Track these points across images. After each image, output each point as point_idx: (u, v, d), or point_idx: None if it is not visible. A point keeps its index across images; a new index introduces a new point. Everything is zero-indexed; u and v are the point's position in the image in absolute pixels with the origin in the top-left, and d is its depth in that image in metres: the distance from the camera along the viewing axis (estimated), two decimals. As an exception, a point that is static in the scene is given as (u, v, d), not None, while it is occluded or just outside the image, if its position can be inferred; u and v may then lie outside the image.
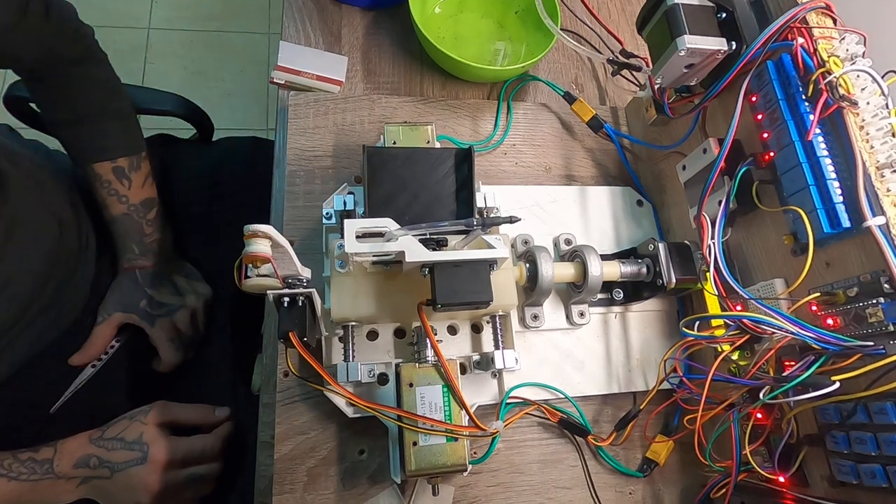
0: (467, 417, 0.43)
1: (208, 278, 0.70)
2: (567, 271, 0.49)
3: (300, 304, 0.40)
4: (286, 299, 0.40)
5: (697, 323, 0.44)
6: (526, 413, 0.50)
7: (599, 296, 0.53)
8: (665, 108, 0.50)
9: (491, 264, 0.42)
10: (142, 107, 0.73)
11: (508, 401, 0.49)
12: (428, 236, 0.42)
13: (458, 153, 0.49)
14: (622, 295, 0.54)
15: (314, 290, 0.40)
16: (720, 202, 0.45)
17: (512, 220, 0.38)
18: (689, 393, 0.45)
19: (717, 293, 0.42)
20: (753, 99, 0.44)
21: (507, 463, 0.50)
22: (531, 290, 0.49)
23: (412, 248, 0.40)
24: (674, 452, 0.52)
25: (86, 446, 0.53)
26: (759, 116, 0.43)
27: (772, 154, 0.42)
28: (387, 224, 0.40)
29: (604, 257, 0.50)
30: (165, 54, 1.58)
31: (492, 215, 0.49)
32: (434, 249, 0.42)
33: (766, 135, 0.43)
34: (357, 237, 0.41)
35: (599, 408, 0.54)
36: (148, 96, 0.77)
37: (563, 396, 0.51)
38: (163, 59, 1.57)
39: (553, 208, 0.58)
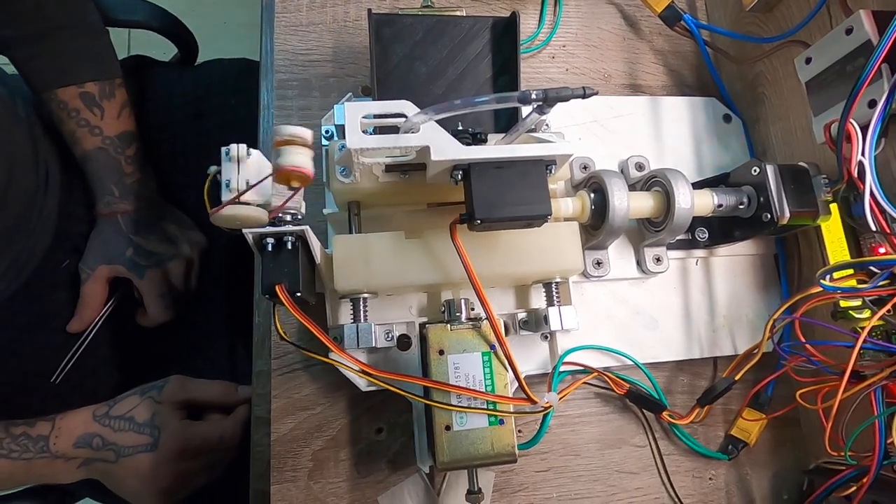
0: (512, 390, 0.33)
1: (198, 225, 0.61)
2: (645, 203, 0.37)
3: (289, 246, 0.30)
4: (270, 240, 0.29)
5: (830, 273, 0.32)
6: (584, 382, 0.40)
7: (679, 236, 0.41)
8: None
9: (548, 165, 0.31)
10: (105, 16, 0.60)
11: (562, 368, 0.38)
12: (460, 127, 0.31)
13: (497, 23, 0.38)
14: (707, 235, 0.42)
15: (307, 227, 0.29)
16: (871, 103, 0.32)
17: (586, 92, 0.26)
18: (805, 362, 0.34)
19: (875, 228, 0.30)
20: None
21: (559, 443, 0.41)
22: (595, 228, 0.38)
23: (439, 142, 0.29)
24: (765, 430, 0.42)
25: (89, 423, 0.46)
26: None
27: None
28: (403, 108, 0.29)
29: (689, 185, 0.38)
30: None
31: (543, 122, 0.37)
32: (469, 145, 0.30)
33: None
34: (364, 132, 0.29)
35: (671, 375, 0.43)
36: (112, 2, 0.63)
37: (629, 362, 0.40)
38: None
39: (616, 125, 0.45)
